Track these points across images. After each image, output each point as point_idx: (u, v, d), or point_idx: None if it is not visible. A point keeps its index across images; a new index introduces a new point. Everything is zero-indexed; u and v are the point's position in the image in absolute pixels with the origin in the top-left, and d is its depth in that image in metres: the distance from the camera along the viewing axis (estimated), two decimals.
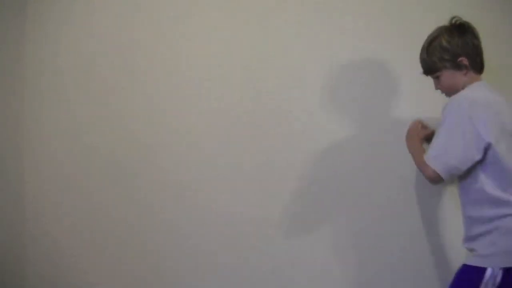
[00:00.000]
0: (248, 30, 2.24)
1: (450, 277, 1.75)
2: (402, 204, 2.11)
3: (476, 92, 1.64)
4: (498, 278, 1.53)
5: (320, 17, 2.17)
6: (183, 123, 2.31)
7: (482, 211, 1.60)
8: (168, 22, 2.34)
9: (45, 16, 2.49)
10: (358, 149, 2.14)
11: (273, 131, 2.22)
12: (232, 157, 2.26)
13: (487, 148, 1.57)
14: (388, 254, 2.12)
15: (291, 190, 2.21)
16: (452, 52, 1.67)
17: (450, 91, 1.71)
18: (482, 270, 1.56)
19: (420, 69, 1.77)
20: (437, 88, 1.78)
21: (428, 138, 1.88)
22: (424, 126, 1.91)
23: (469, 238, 1.66)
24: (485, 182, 1.59)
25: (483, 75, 1.76)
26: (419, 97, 2.07)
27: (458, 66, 1.68)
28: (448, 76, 1.70)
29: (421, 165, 1.69)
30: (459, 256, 1.93)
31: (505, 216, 1.56)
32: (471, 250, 1.66)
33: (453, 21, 1.71)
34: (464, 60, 1.67)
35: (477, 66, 1.70)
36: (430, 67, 1.73)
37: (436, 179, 1.65)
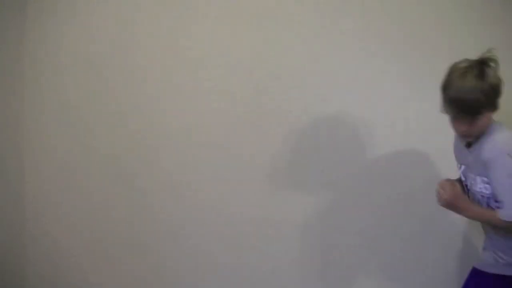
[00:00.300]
0: (249, 30, 2.24)
1: (452, 277, 1.75)
2: (402, 204, 2.11)
3: (509, 132, 1.55)
4: None
5: (320, 17, 2.17)
6: (183, 123, 2.31)
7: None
8: (168, 22, 2.33)
9: (45, 15, 2.49)
10: (359, 149, 2.14)
11: (273, 131, 2.22)
12: (232, 157, 2.26)
13: None
14: (388, 254, 2.12)
15: (292, 190, 2.21)
16: (498, 90, 1.51)
17: (478, 133, 1.56)
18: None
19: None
20: (462, 130, 1.56)
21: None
22: (452, 184, 1.66)
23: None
24: None
25: None
26: (419, 97, 2.07)
27: (495, 106, 1.53)
28: (487, 117, 1.52)
29: (500, 223, 1.53)
30: (460, 256, 1.94)
31: None
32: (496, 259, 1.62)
33: (489, 55, 1.53)
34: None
35: None
36: (471, 107, 1.50)
37: None
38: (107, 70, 2.41)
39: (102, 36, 2.41)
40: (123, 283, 2.40)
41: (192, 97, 2.31)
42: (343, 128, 2.16)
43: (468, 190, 1.66)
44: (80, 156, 2.45)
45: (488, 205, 1.58)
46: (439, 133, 2.06)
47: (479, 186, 1.58)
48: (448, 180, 1.68)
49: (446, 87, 1.55)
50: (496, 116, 1.59)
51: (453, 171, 1.77)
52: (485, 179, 1.55)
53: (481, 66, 1.51)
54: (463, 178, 1.68)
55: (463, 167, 1.68)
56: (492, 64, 1.51)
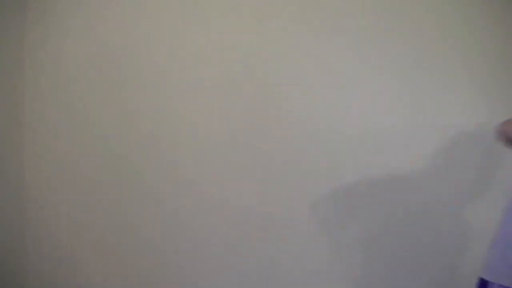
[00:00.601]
0: (249, 30, 2.25)
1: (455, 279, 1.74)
2: (403, 205, 2.11)
3: None
4: None
5: (320, 17, 2.17)
6: (184, 122, 2.31)
7: None
8: (169, 22, 2.33)
9: (45, 15, 2.49)
10: (359, 149, 2.15)
11: (273, 131, 2.22)
12: (232, 157, 2.26)
13: None
14: (391, 254, 2.12)
15: (292, 190, 2.21)
16: None
17: None
18: None
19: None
20: None
21: None
22: None
23: None
24: None
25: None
26: (419, 97, 2.08)
27: None
28: None
29: None
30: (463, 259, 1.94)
31: None
32: None
33: None
34: None
35: None
36: None
37: None
38: (108, 70, 2.41)
39: (103, 36, 2.41)
40: (124, 283, 2.40)
41: (193, 96, 2.31)
42: (343, 129, 2.16)
43: None
44: (81, 156, 2.45)
45: None
46: (440, 133, 2.08)
47: None
48: None
49: None
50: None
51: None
52: None
53: None
54: None
55: None
56: None
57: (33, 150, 2.52)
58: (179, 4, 2.32)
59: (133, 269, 2.40)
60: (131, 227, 2.40)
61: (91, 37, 2.43)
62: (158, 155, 2.35)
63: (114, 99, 2.41)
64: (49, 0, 2.49)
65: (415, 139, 2.09)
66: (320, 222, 2.19)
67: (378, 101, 2.13)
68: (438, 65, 2.09)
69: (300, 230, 2.21)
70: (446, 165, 2.08)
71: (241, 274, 2.27)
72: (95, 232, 2.44)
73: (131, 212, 2.39)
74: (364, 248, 2.15)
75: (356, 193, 2.15)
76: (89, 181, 2.44)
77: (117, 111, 2.40)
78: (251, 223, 2.24)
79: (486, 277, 1.51)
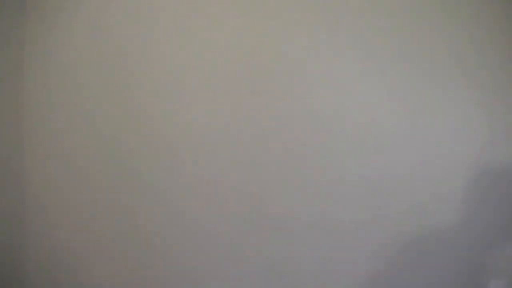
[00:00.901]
0: (249, 29, 2.25)
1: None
2: (403, 206, 2.12)
3: None
4: None
5: (320, 17, 2.18)
6: (185, 123, 2.31)
7: None
8: (170, 22, 2.33)
9: (46, 14, 2.48)
10: (359, 149, 2.16)
11: (273, 132, 2.23)
12: (232, 157, 2.26)
13: None
14: (392, 253, 2.13)
15: (292, 190, 2.22)
16: None
17: None
18: None
19: None
20: None
21: None
22: None
23: None
24: None
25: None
26: (420, 97, 2.09)
27: None
28: None
29: None
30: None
31: None
32: None
33: None
34: None
35: None
36: None
37: None
38: (108, 69, 2.40)
39: (103, 35, 2.41)
40: (127, 282, 2.39)
41: (194, 95, 2.30)
42: (343, 129, 2.17)
43: None
44: (82, 155, 2.44)
45: None
46: (442, 134, 2.10)
47: None
48: None
49: None
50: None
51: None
52: None
53: None
54: None
55: None
56: None
57: (33, 150, 2.51)
58: (180, 4, 2.32)
59: (134, 269, 2.39)
60: (132, 227, 2.39)
61: (91, 37, 2.42)
62: (160, 154, 2.35)
63: (114, 99, 2.40)
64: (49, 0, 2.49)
65: (415, 139, 2.11)
66: (321, 223, 2.20)
67: (378, 101, 2.15)
68: (439, 65, 2.09)
69: (300, 229, 2.22)
70: (445, 165, 2.10)
71: (242, 272, 2.27)
72: (96, 232, 2.43)
73: (132, 211, 2.38)
74: (364, 246, 2.16)
75: (356, 192, 2.16)
76: (89, 181, 2.43)
77: (118, 110, 2.39)
78: (252, 222, 2.25)
79: None
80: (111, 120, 2.40)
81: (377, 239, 2.14)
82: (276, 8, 2.24)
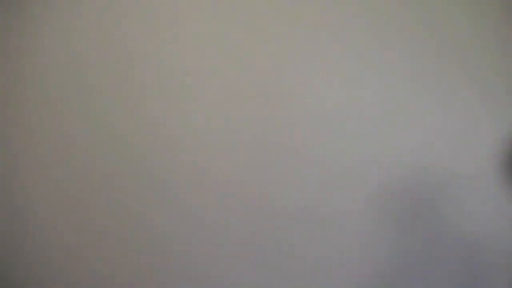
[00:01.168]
0: (250, 29, 2.25)
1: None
2: (402, 204, 2.12)
3: None
4: None
5: (321, 16, 2.18)
6: (187, 123, 2.31)
7: None
8: (169, 21, 2.34)
9: (46, 14, 2.48)
10: (359, 149, 2.15)
11: (273, 133, 2.23)
12: (233, 157, 2.26)
13: None
14: (393, 254, 2.12)
15: (293, 189, 2.21)
16: None
17: None
18: None
19: None
20: None
21: None
22: None
23: None
24: None
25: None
26: (420, 96, 2.09)
27: None
28: None
29: None
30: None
31: None
32: None
33: None
34: None
35: None
36: None
37: None
38: (108, 69, 2.40)
39: (108, 35, 2.41)
40: (129, 282, 2.39)
41: (195, 95, 2.31)
42: (343, 129, 2.17)
43: None
44: (82, 155, 2.43)
45: None
46: (442, 134, 2.09)
47: None
48: None
49: None
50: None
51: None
52: None
53: None
54: None
55: None
56: None
57: (33, 150, 2.51)
58: (178, 3, 2.32)
59: (134, 269, 2.39)
60: (136, 225, 2.39)
61: (93, 37, 2.42)
62: (162, 153, 2.35)
63: (115, 99, 2.40)
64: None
65: (417, 141, 2.11)
66: (321, 223, 2.19)
67: (379, 101, 2.14)
68: (438, 65, 2.10)
69: (299, 229, 2.21)
70: (446, 165, 2.10)
71: (253, 266, 2.26)
72: (96, 231, 2.43)
73: (135, 210, 2.38)
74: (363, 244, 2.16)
75: (357, 192, 2.16)
76: (90, 181, 2.43)
77: (119, 110, 2.39)
78: (251, 223, 2.25)
79: None
80: (112, 120, 2.40)
81: (377, 239, 2.14)
82: (276, 8, 2.24)
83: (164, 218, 2.36)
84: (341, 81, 2.18)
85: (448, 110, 2.13)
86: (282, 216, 2.23)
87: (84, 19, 2.44)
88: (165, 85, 2.36)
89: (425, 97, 2.12)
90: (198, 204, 2.31)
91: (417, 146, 2.12)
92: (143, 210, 2.38)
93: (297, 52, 2.22)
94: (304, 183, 2.20)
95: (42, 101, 2.52)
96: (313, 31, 2.20)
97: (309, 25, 2.21)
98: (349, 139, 2.17)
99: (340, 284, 2.19)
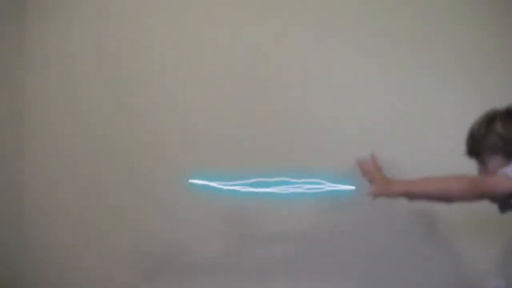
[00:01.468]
0: (250, 29, 2.26)
1: None
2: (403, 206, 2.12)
3: None
4: None
5: (321, 16, 2.19)
6: (186, 122, 2.33)
7: None
8: (170, 21, 2.35)
9: (46, 14, 2.50)
10: (359, 149, 2.16)
11: (273, 132, 2.24)
12: (233, 157, 2.27)
13: None
14: (395, 256, 2.13)
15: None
16: (506, 139, 1.50)
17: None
18: None
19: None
20: (480, 172, 1.58)
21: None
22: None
23: None
24: None
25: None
26: (420, 97, 2.10)
27: (509, 155, 1.50)
28: (496, 163, 1.51)
29: (479, 184, 1.43)
30: None
31: None
32: None
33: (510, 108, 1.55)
34: None
35: None
36: (477, 151, 1.55)
37: None
38: (108, 69, 2.42)
39: (104, 35, 2.43)
40: (127, 283, 2.40)
41: (194, 95, 2.32)
42: (344, 129, 2.17)
43: None
44: (83, 156, 2.45)
45: None
46: (443, 134, 2.10)
47: None
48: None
49: None
50: None
51: None
52: None
53: (494, 114, 1.52)
54: None
55: None
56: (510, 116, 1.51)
57: (33, 150, 2.52)
58: (181, 4, 2.33)
59: (134, 269, 2.40)
60: (133, 227, 2.40)
61: (91, 37, 2.44)
62: (160, 155, 2.36)
63: (115, 99, 2.41)
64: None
65: (417, 141, 2.12)
66: (321, 223, 2.20)
67: (379, 101, 2.15)
68: (438, 64, 2.11)
69: (299, 229, 2.22)
70: (446, 166, 2.10)
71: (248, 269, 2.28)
72: (96, 232, 2.44)
73: (132, 211, 2.39)
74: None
75: (358, 192, 2.16)
76: (90, 181, 2.45)
77: (118, 110, 2.41)
78: (249, 222, 2.26)
79: None
80: (112, 120, 2.42)
81: (376, 238, 2.14)
82: (276, 7, 2.25)
83: (163, 224, 2.37)
84: (344, 82, 2.19)
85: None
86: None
87: (80, 20, 2.46)
88: (162, 89, 2.38)
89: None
90: (193, 210, 2.32)
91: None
92: (139, 211, 2.39)
93: (297, 51, 2.23)
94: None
95: (42, 101, 2.53)
96: (314, 31, 2.21)
97: (310, 24, 2.23)
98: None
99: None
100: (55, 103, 2.49)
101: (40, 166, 2.52)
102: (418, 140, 2.12)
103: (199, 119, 2.31)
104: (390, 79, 2.14)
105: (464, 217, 2.03)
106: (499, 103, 1.54)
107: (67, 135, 2.47)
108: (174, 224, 2.36)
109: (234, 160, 2.26)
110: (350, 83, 2.18)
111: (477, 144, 1.53)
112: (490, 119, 1.51)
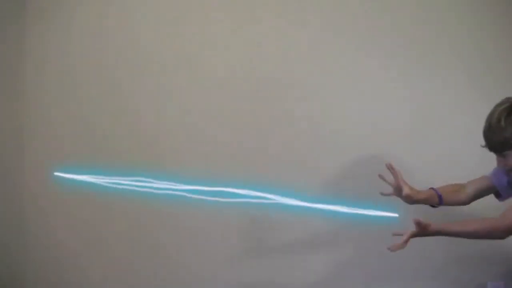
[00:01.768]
0: (250, 29, 2.26)
1: None
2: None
3: None
4: None
5: (321, 17, 2.19)
6: (185, 122, 2.33)
7: None
8: (170, 21, 2.35)
9: (46, 14, 2.50)
10: (359, 148, 2.16)
11: (273, 131, 2.24)
12: (233, 156, 2.27)
13: None
14: (395, 255, 2.13)
15: (293, 189, 2.22)
16: None
17: None
18: None
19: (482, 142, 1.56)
20: (500, 166, 1.57)
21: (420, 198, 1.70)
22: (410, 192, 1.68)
23: None
24: None
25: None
26: (419, 96, 2.10)
27: None
28: None
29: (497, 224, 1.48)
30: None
31: None
32: None
33: None
34: None
35: None
36: (497, 144, 1.51)
37: None
38: (108, 69, 2.42)
39: (103, 35, 2.42)
40: (127, 283, 2.40)
41: (193, 94, 2.32)
42: (343, 129, 2.17)
43: None
44: (82, 154, 2.45)
45: None
46: (444, 135, 2.10)
47: None
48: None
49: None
50: None
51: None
52: None
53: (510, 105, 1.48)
54: None
55: None
56: None
57: (33, 150, 2.52)
58: (181, 4, 2.33)
59: (134, 269, 2.40)
60: (133, 227, 2.40)
61: (90, 37, 2.44)
62: (161, 155, 2.36)
63: (115, 99, 2.41)
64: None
65: (417, 143, 2.12)
66: (321, 224, 2.20)
67: (378, 101, 2.15)
68: (439, 65, 2.11)
69: (299, 229, 2.22)
70: (445, 164, 2.10)
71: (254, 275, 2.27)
72: (96, 232, 2.44)
73: (133, 211, 2.39)
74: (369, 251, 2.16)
75: (357, 191, 2.16)
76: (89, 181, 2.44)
77: (118, 110, 2.40)
78: (248, 223, 2.26)
79: None
80: (112, 120, 2.42)
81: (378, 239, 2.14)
82: (276, 7, 2.25)
83: (164, 225, 2.37)
84: (344, 82, 2.19)
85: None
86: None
87: (79, 21, 2.45)
88: (161, 89, 2.38)
89: None
90: (192, 212, 2.31)
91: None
92: (140, 211, 2.39)
93: (297, 52, 2.23)
94: (305, 190, 2.22)
95: (41, 101, 2.53)
96: (314, 31, 2.21)
97: (310, 24, 2.22)
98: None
99: None
100: (55, 103, 2.49)
101: (40, 166, 2.52)
102: (418, 140, 2.13)
103: (199, 119, 2.31)
104: (390, 79, 2.14)
105: (464, 217, 2.02)
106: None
107: (67, 135, 2.47)
108: (176, 227, 2.35)
109: (234, 160, 2.26)
110: (350, 83, 2.18)
111: (497, 138, 1.48)
112: (509, 112, 1.47)
